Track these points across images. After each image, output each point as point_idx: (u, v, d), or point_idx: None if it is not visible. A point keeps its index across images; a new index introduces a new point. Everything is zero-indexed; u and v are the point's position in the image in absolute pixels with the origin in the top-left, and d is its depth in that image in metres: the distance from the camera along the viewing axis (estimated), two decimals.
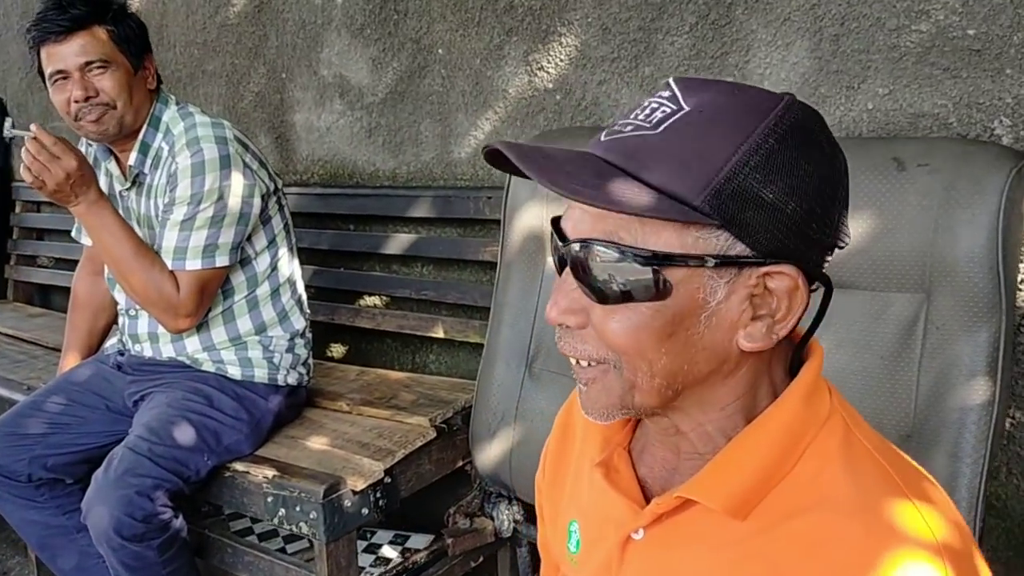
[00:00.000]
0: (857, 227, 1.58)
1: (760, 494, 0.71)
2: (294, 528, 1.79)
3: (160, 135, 1.97)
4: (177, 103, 2.02)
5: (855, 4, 1.69)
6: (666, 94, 0.69)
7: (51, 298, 3.59)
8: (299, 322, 2.10)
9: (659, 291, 0.67)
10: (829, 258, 0.73)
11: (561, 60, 2.09)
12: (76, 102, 1.87)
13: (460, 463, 2.05)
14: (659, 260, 0.66)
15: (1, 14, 3.47)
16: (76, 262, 3.14)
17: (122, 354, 2.10)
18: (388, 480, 1.85)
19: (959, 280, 1.49)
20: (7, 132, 3.52)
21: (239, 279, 2.03)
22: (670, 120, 0.67)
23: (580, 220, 0.70)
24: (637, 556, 0.79)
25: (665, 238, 0.66)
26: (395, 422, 2.04)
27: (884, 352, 1.57)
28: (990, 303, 1.46)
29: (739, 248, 0.67)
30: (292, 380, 2.06)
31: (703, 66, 1.89)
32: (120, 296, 2.07)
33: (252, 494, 1.85)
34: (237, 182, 1.89)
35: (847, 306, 1.61)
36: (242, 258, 2.01)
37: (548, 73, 2.12)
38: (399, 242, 2.40)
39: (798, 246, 0.68)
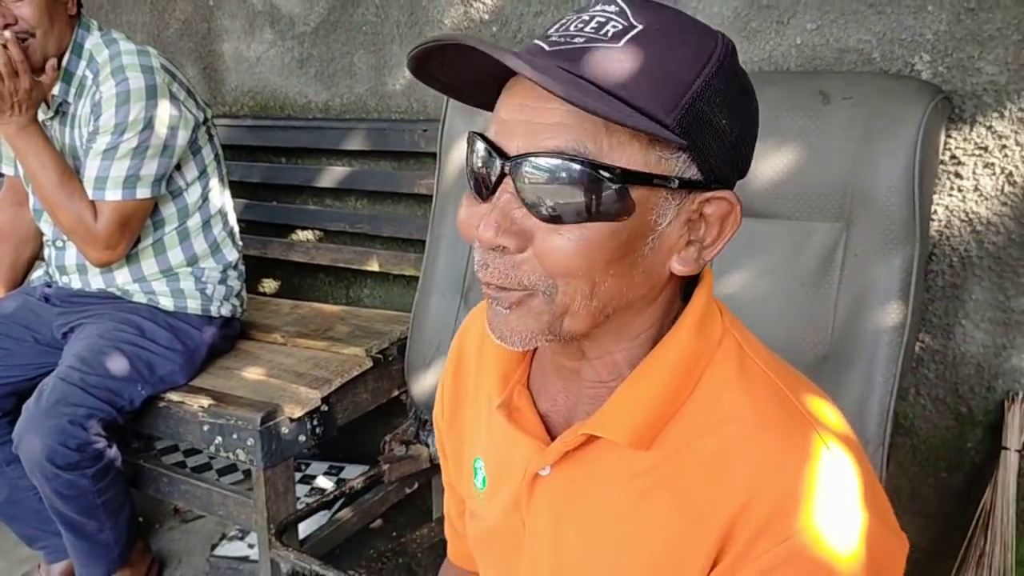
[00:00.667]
0: (782, 158, 1.63)
1: (661, 423, 0.72)
2: (231, 455, 1.80)
3: (84, 63, 1.91)
4: (100, 29, 1.96)
5: None
6: (612, 8, 0.67)
7: None
8: (231, 254, 2.09)
9: (622, 210, 0.65)
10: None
11: None
12: None
13: (395, 392, 2.08)
14: (627, 176, 0.64)
15: None
16: None
17: (49, 286, 2.06)
18: (325, 408, 1.87)
19: (877, 209, 1.55)
20: None
21: (169, 211, 2.00)
22: (629, 35, 0.65)
23: (528, 131, 0.65)
24: (546, 492, 0.79)
25: (630, 154, 0.64)
26: (331, 353, 2.05)
27: (805, 278, 1.63)
28: (905, 230, 1.53)
29: (692, 171, 0.67)
30: (225, 312, 2.05)
31: None
32: (47, 227, 2.02)
33: (188, 423, 1.85)
34: (163, 112, 1.86)
35: (771, 235, 1.67)
36: (172, 189, 1.98)
37: (484, 4, 2.11)
38: (332, 175, 2.38)
39: (731, 173, 0.70)
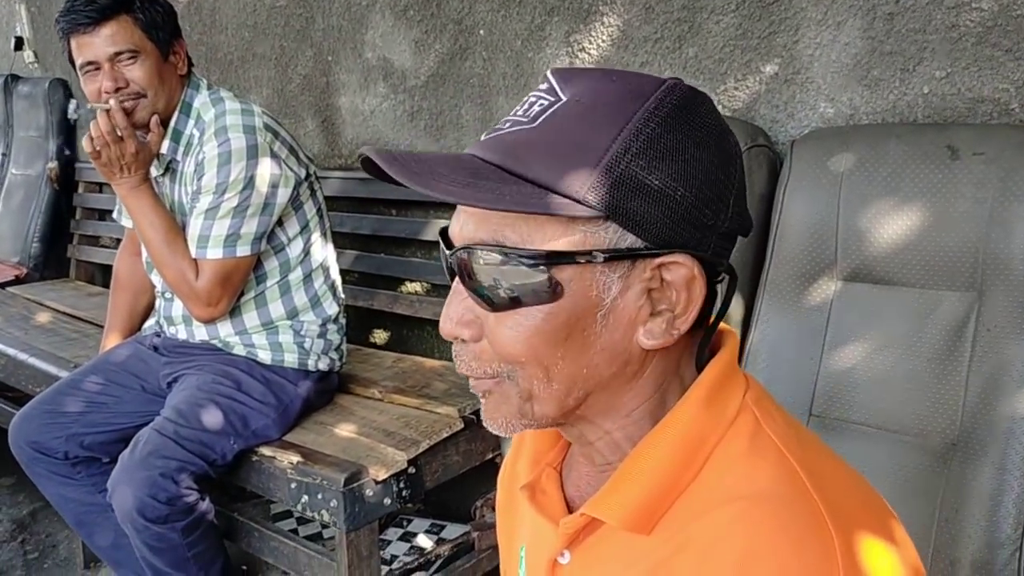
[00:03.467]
0: (906, 220, 1.49)
1: (663, 505, 0.67)
2: (316, 515, 1.78)
3: (191, 121, 1.97)
4: (209, 87, 2.01)
5: None
6: (544, 87, 0.67)
7: (111, 277, 3.67)
8: (332, 308, 2.09)
9: (549, 293, 0.64)
10: (730, 246, 0.69)
11: (603, 40, 2.02)
12: (107, 92, 1.87)
13: (489, 455, 2.01)
14: (546, 259, 0.63)
15: None
16: None
17: (159, 335, 2.12)
18: (412, 470, 1.82)
19: (1014, 279, 1.39)
20: (71, 113, 3.60)
21: (272, 264, 2.02)
22: (547, 112, 0.64)
23: (464, 224, 0.66)
24: None
25: (551, 235, 0.63)
26: (424, 411, 2.01)
27: (931, 354, 1.48)
28: None
29: (630, 240, 0.63)
30: (323, 366, 2.05)
31: (750, 46, 1.79)
32: (156, 279, 2.08)
33: (277, 479, 1.85)
34: (264, 172, 1.88)
35: (893, 304, 1.52)
36: (274, 244, 2.00)
37: (590, 54, 2.05)
38: (440, 228, 2.36)
39: (692, 234, 0.64)
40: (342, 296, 2.15)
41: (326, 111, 2.70)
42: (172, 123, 1.96)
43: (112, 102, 1.84)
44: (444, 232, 0.70)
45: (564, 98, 0.65)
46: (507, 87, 2.22)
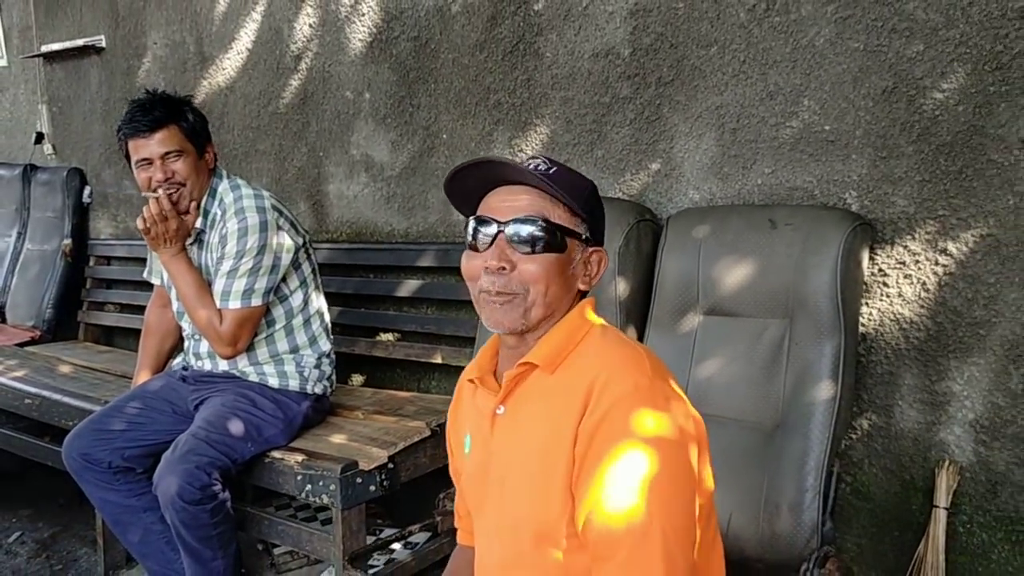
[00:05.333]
0: (742, 270, 2.11)
1: (562, 356, 1.28)
2: (317, 499, 2.30)
3: (216, 203, 2.55)
4: (227, 177, 2.60)
5: (747, 107, 2.26)
6: (540, 159, 1.30)
7: (115, 338, 4.18)
8: (325, 345, 2.66)
9: (561, 247, 1.27)
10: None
11: (536, 144, 2.68)
12: (157, 182, 2.46)
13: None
14: (566, 230, 1.27)
15: (88, 100, 4.15)
16: (139, 307, 3.76)
17: (186, 369, 2.66)
18: (391, 465, 2.36)
19: (810, 308, 2.01)
20: (86, 198, 4.17)
21: (279, 312, 2.59)
22: (553, 169, 1.28)
23: (511, 209, 1.26)
24: (501, 425, 1.32)
25: (565, 219, 1.27)
26: (400, 425, 2.57)
27: (762, 363, 2.08)
28: (833, 325, 1.98)
29: (588, 234, 1.31)
30: (319, 390, 2.61)
31: (640, 150, 2.46)
32: (187, 325, 2.63)
33: (285, 474, 2.37)
34: (272, 241, 2.46)
35: (736, 330, 2.14)
36: (280, 296, 2.57)
37: (527, 153, 2.70)
38: (409, 287, 2.96)
39: (602, 240, 1.35)
40: (332, 337, 2.72)
41: (317, 195, 3.32)
42: (202, 204, 2.54)
43: (160, 191, 2.43)
44: (481, 217, 1.28)
45: (555, 167, 1.28)
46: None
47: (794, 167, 2.21)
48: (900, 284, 2.09)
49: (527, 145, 2.70)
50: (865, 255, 2.07)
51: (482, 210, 1.29)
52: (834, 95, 2.13)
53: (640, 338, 2.29)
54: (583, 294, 1.35)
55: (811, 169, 2.18)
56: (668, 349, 2.22)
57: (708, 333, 2.18)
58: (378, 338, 3.14)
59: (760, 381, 2.09)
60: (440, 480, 2.56)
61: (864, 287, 2.10)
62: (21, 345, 3.92)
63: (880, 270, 2.11)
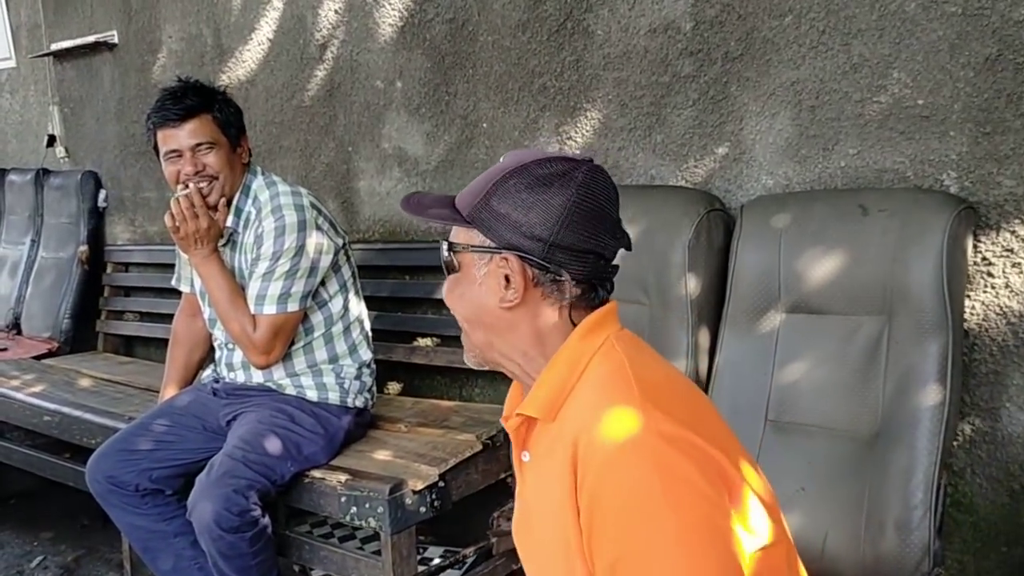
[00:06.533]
0: (831, 263, 1.92)
1: (559, 400, 1.10)
2: (363, 523, 2.12)
3: (249, 201, 2.36)
4: (262, 173, 2.42)
5: (827, 81, 2.05)
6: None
7: (135, 348, 4.01)
8: (366, 355, 2.47)
9: (455, 267, 1.16)
10: (571, 254, 1.11)
11: (587, 130, 2.48)
12: (186, 175, 2.28)
13: (502, 475, 2.37)
14: (452, 246, 1.15)
15: (101, 100, 3.97)
16: (160, 315, 3.58)
17: (217, 381, 2.48)
18: (442, 484, 2.18)
19: (912, 302, 1.81)
20: (102, 202, 4.00)
21: (317, 319, 2.40)
22: (481, 174, 1.16)
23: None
24: (529, 472, 1.18)
25: (460, 236, 1.14)
26: (448, 438, 2.38)
27: (856, 365, 1.88)
28: (938, 321, 1.78)
29: (488, 243, 1.11)
30: (360, 403, 2.42)
31: (705, 133, 2.26)
32: (219, 333, 2.45)
33: (328, 496, 2.19)
34: (311, 242, 2.28)
35: (825, 329, 1.94)
36: (318, 301, 2.38)
37: (576, 141, 2.50)
38: None
39: (522, 243, 1.09)
40: (372, 345, 2.53)
41: (346, 193, 3.13)
42: (234, 202, 2.36)
43: (191, 186, 2.25)
44: None
45: (493, 167, 1.15)
46: None
47: (883, 147, 2.00)
48: (1007, 274, 1.88)
49: (576, 132, 2.50)
50: (970, 243, 1.86)
51: None
52: (928, 66, 1.92)
53: (714, 340, 2.09)
54: (574, 310, 1.16)
55: (903, 149, 1.97)
56: (746, 351, 2.02)
57: (792, 333, 1.98)
58: (416, 344, 2.95)
59: (854, 385, 1.88)
60: (493, 497, 2.38)
61: (967, 278, 1.90)
62: (38, 358, 3.76)
63: (984, 259, 1.91)
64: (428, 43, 2.79)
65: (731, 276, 2.06)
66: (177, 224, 2.26)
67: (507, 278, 1.10)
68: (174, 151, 2.28)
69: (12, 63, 4.37)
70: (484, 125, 2.71)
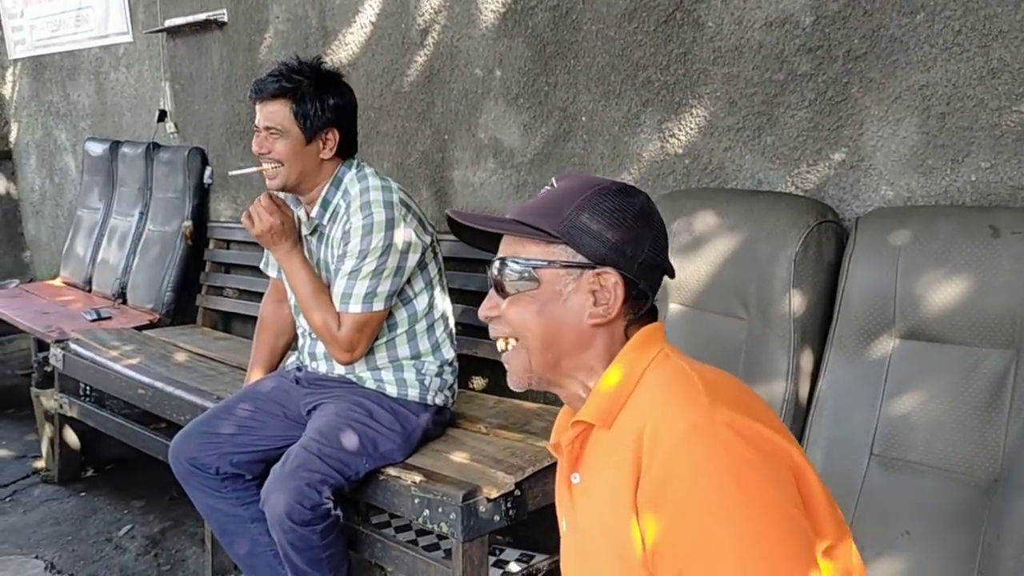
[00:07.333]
0: (955, 287, 1.74)
1: (616, 407, 1.10)
2: (436, 527, 2.06)
3: (339, 193, 2.31)
4: (357, 165, 2.37)
5: (960, 86, 1.86)
6: (550, 183, 1.19)
7: (233, 324, 4.07)
8: (449, 353, 2.40)
9: (533, 284, 1.12)
10: (654, 273, 1.16)
11: (691, 129, 2.34)
12: (255, 151, 2.28)
13: None
14: (532, 263, 1.12)
15: (210, 78, 4.02)
16: (257, 294, 3.61)
17: (300, 370, 2.46)
18: (518, 493, 2.10)
19: None
20: (207, 179, 4.06)
21: (402, 316, 2.34)
22: (544, 192, 1.18)
23: (500, 250, 1.17)
24: (579, 495, 1.17)
25: (536, 252, 1.12)
26: (527, 444, 2.29)
27: (976, 402, 1.71)
28: None
29: (580, 258, 1.11)
30: (439, 401, 2.36)
31: (820, 137, 2.09)
32: (302, 320, 2.42)
33: (401, 495, 2.14)
34: (398, 240, 2.22)
35: (943, 359, 1.76)
36: (403, 298, 2.33)
37: (679, 140, 2.36)
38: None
39: (617, 259, 1.12)
40: (456, 344, 2.47)
41: (440, 182, 3.07)
42: (322, 194, 2.31)
43: (262, 196, 2.30)
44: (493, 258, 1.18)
45: (556, 187, 1.17)
46: (604, 165, 2.55)
47: (1020, 161, 1.80)
48: None
49: (679, 130, 2.36)
50: None
51: None
52: None
53: (817, 363, 1.93)
54: (631, 326, 1.16)
55: None
56: (853, 377, 1.86)
57: (906, 361, 1.81)
58: None
59: (973, 424, 1.71)
60: None
61: None
62: (140, 328, 3.86)
63: None
64: (530, 31, 2.69)
65: (841, 295, 1.90)
66: (252, 220, 2.25)
67: (594, 293, 1.11)
68: (256, 127, 2.29)
69: (128, 38, 4.48)
70: (583, 119, 2.59)
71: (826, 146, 2.09)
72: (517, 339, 1.14)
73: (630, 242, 1.12)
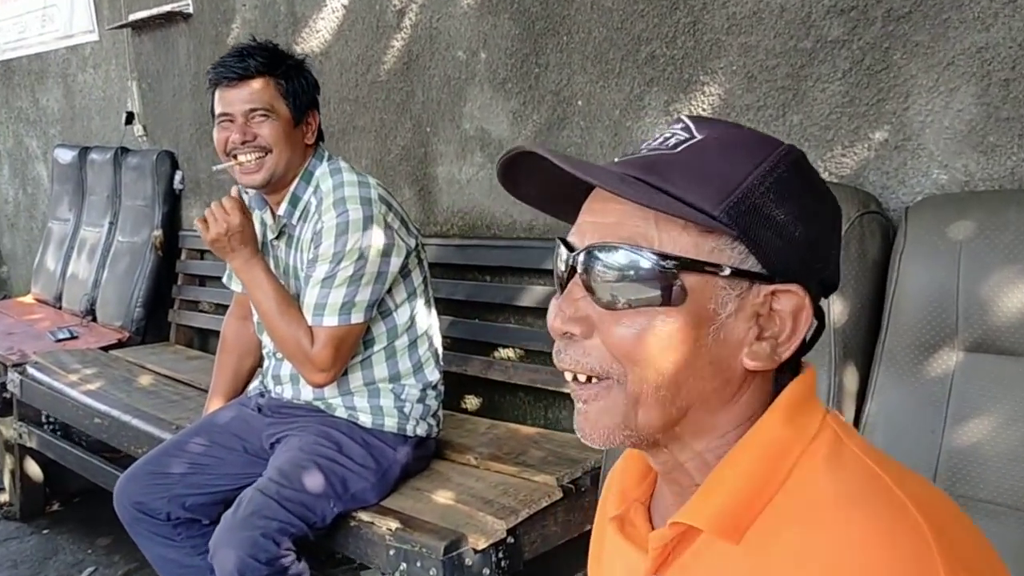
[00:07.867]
0: None
1: (750, 513, 0.69)
2: None
3: (310, 189, 2.02)
4: (329, 158, 2.07)
5: None
6: (679, 126, 0.73)
7: (209, 341, 3.77)
8: (433, 374, 2.10)
9: (673, 296, 0.67)
10: (823, 295, 0.74)
11: (704, 109, 2.03)
12: (233, 143, 1.95)
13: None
14: (677, 263, 0.67)
15: (177, 75, 3.73)
16: None
17: (263, 396, 2.15)
18: (511, 540, 1.79)
19: None
20: (177, 184, 3.76)
21: (380, 330, 2.04)
22: (686, 144, 0.70)
23: (593, 230, 0.71)
24: None
25: (682, 244, 0.68)
26: (521, 479, 1.99)
27: None
28: None
29: (751, 263, 0.69)
30: (421, 431, 2.05)
31: (857, 113, 1.78)
32: (267, 339, 2.12)
33: (375, 545, 1.84)
34: (377, 242, 1.92)
35: (1019, 376, 1.46)
36: (382, 310, 2.02)
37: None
38: (534, 295, 2.37)
39: (802, 271, 0.70)
40: (441, 364, 2.16)
41: (423, 180, 2.76)
42: (292, 188, 2.01)
43: (236, 189, 1.97)
44: (562, 238, 0.74)
45: (700, 136, 0.71)
46: (605, 155, 2.24)
47: None
48: None
49: (690, 111, 2.05)
50: None
51: (574, 227, 0.75)
52: None
53: (864, 382, 1.62)
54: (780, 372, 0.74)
55: None
56: (908, 399, 1.56)
57: (973, 379, 1.50)
58: (495, 356, 2.57)
59: None
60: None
61: None
62: (107, 348, 3.57)
63: None
64: (516, 6, 2.38)
65: (890, 300, 1.59)
66: (207, 221, 1.94)
67: (758, 320, 0.70)
68: (226, 115, 1.97)
69: (95, 36, 4.19)
70: (579, 103, 2.28)
71: (864, 124, 1.77)
72: (611, 376, 0.71)
73: (821, 246, 0.72)
